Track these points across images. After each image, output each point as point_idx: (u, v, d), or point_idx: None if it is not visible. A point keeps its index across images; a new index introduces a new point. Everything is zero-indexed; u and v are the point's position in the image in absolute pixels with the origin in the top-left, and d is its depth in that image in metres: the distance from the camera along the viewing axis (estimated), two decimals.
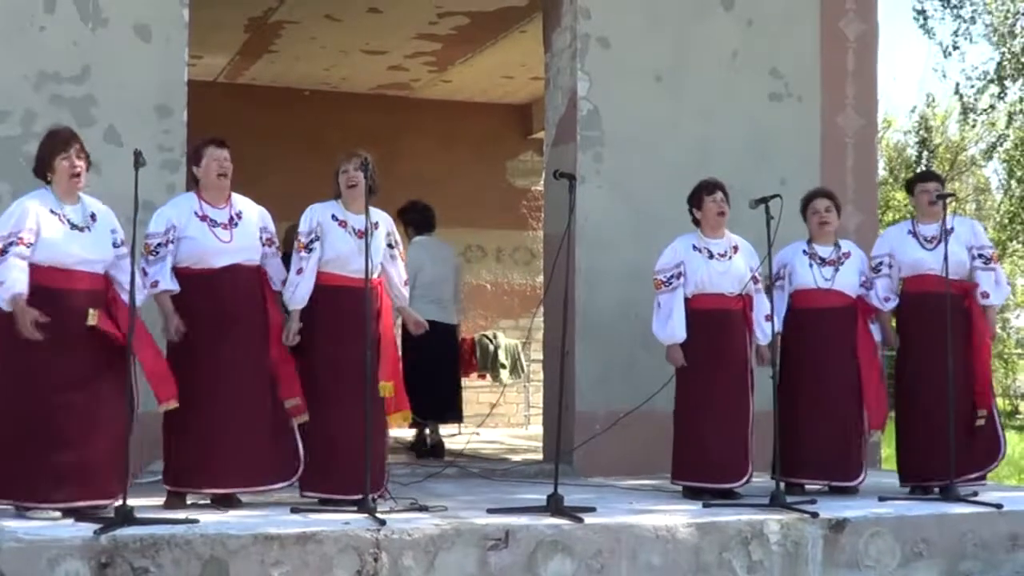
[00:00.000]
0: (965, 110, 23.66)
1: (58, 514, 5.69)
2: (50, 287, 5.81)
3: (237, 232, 6.37)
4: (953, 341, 6.98)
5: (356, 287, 6.31)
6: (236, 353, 6.26)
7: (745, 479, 7.02)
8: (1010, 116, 23.41)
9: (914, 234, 7.47)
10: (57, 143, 5.99)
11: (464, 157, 13.64)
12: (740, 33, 8.98)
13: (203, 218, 6.32)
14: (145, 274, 6.16)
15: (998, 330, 29.65)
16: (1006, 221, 25.49)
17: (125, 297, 6.00)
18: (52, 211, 5.89)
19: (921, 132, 28.15)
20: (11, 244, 5.75)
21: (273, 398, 6.35)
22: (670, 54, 8.80)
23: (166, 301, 6.20)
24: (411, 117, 13.43)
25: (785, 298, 7.37)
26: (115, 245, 6.07)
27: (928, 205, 7.46)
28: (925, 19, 21.57)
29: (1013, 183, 25.58)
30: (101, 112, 7.40)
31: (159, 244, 6.21)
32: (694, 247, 7.14)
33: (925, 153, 28.06)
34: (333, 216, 6.50)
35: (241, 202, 6.49)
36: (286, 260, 6.58)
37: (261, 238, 6.46)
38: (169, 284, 6.20)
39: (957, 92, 23.51)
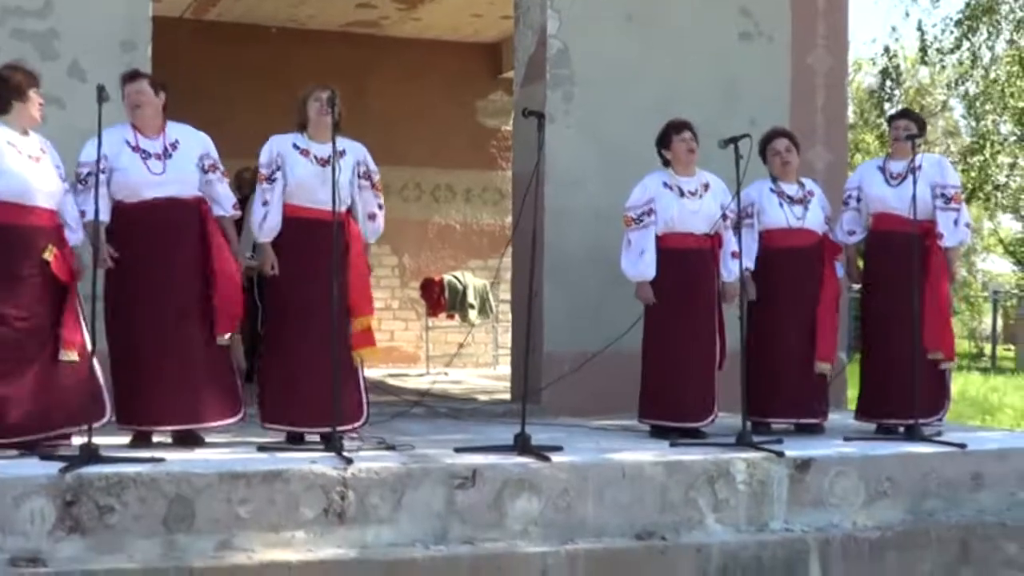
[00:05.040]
0: (925, 48, 23.64)
1: (14, 452, 5.65)
2: (8, 223, 5.73)
3: (171, 163, 6.26)
4: (913, 281, 7.01)
5: (321, 219, 6.27)
6: (171, 287, 6.19)
7: (711, 419, 7.05)
8: (974, 56, 23.39)
9: (882, 170, 7.48)
10: (31, 76, 5.97)
11: (433, 96, 13.54)
12: None
13: (135, 148, 6.23)
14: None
15: (964, 273, 29.97)
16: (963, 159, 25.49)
17: (69, 235, 6.01)
18: (9, 143, 5.83)
19: (889, 71, 28.06)
20: None
21: (209, 334, 6.28)
22: None
23: (97, 230, 5.98)
24: (380, 55, 13.31)
25: (755, 236, 7.35)
26: (61, 179, 6.02)
27: (897, 142, 7.47)
28: None
29: (976, 118, 25.63)
30: (64, 47, 7.29)
31: (88, 174, 6.07)
32: (665, 184, 7.12)
33: (892, 87, 27.99)
34: (295, 145, 6.45)
35: (178, 131, 6.38)
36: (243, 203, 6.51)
37: (202, 165, 6.36)
38: (95, 215, 5.93)
39: (919, 28, 23.50)
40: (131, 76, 6.37)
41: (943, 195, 7.34)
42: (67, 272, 5.88)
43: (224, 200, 6.45)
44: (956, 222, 7.32)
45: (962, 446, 6.79)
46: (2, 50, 6.98)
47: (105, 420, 5.91)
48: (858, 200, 7.57)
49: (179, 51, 10.21)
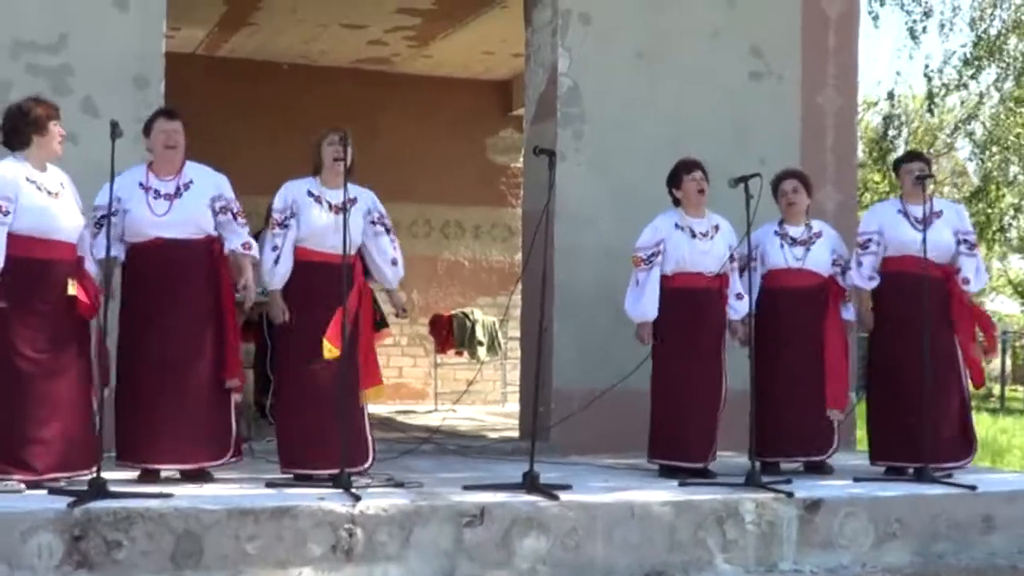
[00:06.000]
0: (931, 95, 23.59)
1: (22, 486, 5.65)
2: (30, 258, 5.76)
3: (179, 203, 6.25)
4: (932, 324, 6.98)
5: (333, 263, 6.28)
6: (177, 328, 6.18)
7: (709, 458, 7.03)
8: (980, 97, 23.35)
9: (905, 214, 7.39)
10: (50, 109, 5.99)
11: (444, 133, 13.59)
12: (722, 11, 8.96)
13: (146, 189, 6.24)
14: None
15: None
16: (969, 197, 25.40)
17: (89, 267, 6.06)
18: (28, 179, 5.86)
19: (896, 113, 28.05)
20: None
21: (213, 375, 6.28)
22: (651, 31, 8.77)
23: (109, 267, 6.01)
24: (390, 92, 13.36)
25: (757, 280, 7.33)
26: (81, 214, 6.06)
27: (912, 185, 7.43)
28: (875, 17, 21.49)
29: (981, 160, 25.56)
30: (78, 82, 7.33)
31: (102, 216, 6.08)
32: (677, 225, 7.12)
33: (895, 133, 27.96)
34: (309, 192, 6.46)
35: (194, 171, 6.38)
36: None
37: (214, 207, 6.34)
38: (106, 251, 5.93)
39: (926, 75, 23.48)
40: (169, 113, 6.38)
41: (966, 241, 7.37)
42: (89, 307, 5.92)
43: (237, 240, 6.41)
44: (979, 268, 7.37)
45: (972, 488, 6.76)
46: (16, 85, 7.04)
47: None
48: (878, 244, 7.39)
49: (191, 87, 10.22)
